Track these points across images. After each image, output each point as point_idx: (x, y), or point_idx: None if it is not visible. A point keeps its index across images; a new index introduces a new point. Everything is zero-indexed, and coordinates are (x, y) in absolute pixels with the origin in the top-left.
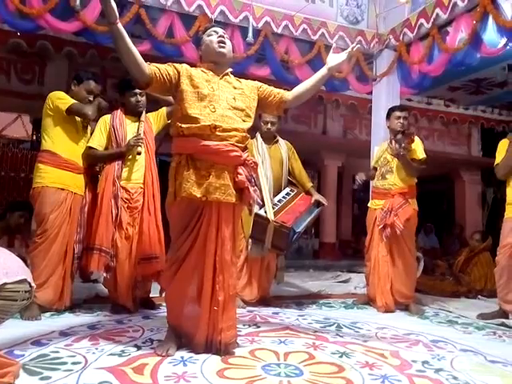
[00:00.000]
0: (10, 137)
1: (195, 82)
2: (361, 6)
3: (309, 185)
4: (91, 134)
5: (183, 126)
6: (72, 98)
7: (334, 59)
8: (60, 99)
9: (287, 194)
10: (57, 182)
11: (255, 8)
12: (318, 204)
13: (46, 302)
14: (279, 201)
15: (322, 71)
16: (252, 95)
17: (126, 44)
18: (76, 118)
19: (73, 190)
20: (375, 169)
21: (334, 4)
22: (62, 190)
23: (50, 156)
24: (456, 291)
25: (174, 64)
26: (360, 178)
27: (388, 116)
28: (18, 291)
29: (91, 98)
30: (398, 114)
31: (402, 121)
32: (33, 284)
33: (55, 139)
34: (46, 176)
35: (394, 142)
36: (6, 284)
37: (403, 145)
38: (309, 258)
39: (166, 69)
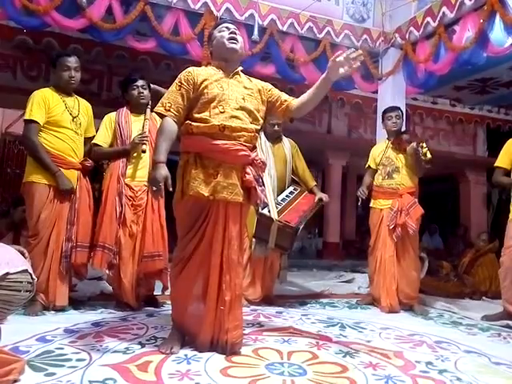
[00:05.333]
0: (15, 134)
1: (204, 84)
2: (367, 5)
3: (312, 183)
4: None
5: (193, 124)
6: (54, 85)
7: (335, 71)
8: (27, 105)
9: (290, 192)
10: (44, 178)
11: (261, 6)
12: (320, 202)
13: (45, 301)
14: (283, 200)
15: (320, 80)
16: (262, 97)
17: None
18: (64, 112)
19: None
20: (369, 167)
21: (339, 2)
22: (50, 186)
23: None
24: (460, 292)
25: (182, 83)
26: (362, 193)
27: (382, 119)
28: (21, 281)
29: (73, 74)
30: (389, 114)
31: (394, 120)
32: (34, 276)
33: (44, 134)
34: (34, 171)
35: (410, 140)
36: (8, 274)
37: (421, 144)
38: (312, 258)
39: (179, 103)
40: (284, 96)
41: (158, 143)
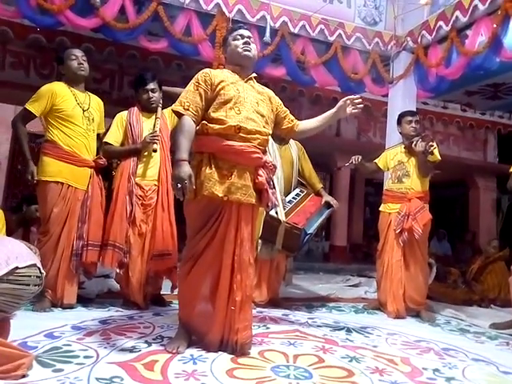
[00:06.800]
0: (27, 131)
1: (221, 86)
2: (379, 8)
3: (319, 186)
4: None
5: (209, 124)
6: (65, 79)
7: (342, 111)
8: (34, 96)
9: (297, 194)
10: (57, 175)
11: (273, 7)
12: (328, 205)
13: (53, 298)
14: (289, 201)
15: (330, 113)
16: (272, 106)
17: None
18: (76, 107)
19: (73, 184)
20: (375, 163)
21: (351, 5)
22: (62, 184)
23: (53, 147)
24: (468, 299)
25: (199, 83)
26: (356, 158)
27: (399, 122)
28: (30, 276)
29: (81, 61)
30: (409, 118)
31: (414, 125)
32: (43, 270)
33: (57, 131)
34: (47, 169)
35: (420, 140)
36: (17, 268)
37: (430, 143)
38: (319, 261)
39: (197, 103)
40: (291, 116)
41: (178, 141)
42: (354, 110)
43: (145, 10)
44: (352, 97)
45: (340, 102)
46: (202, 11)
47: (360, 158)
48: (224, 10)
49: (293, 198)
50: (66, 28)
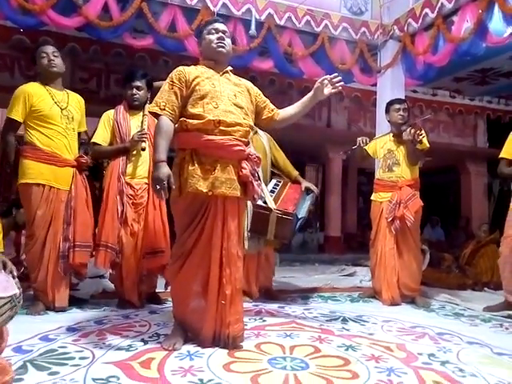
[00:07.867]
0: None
1: (196, 81)
2: None
3: (295, 173)
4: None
5: (188, 120)
6: (40, 78)
7: (320, 92)
8: (10, 102)
9: (276, 184)
10: (38, 177)
11: (258, 0)
12: (307, 191)
13: (46, 301)
14: (271, 191)
15: (308, 97)
16: (251, 97)
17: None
18: (53, 106)
19: (55, 185)
20: (365, 150)
21: None
22: (44, 186)
23: (32, 149)
24: (462, 284)
25: (173, 82)
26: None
27: (387, 110)
28: None
29: (51, 58)
30: (397, 106)
31: (402, 112)
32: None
33: (35, 132)
34: (28, 172)
35: (409, 128)
36: None
37: (418, 132)
38: (314, 252)
39: (173, 101)
40: (271, 105)
41: (156, 142)
42: (332, 90)
43: (128, 7)
44: (329, 76)
45: (316, 84)
46: (186, 6)
47: (367, 139)
48: (209, 4)
49: (273, 187)
50: (49, 28)
